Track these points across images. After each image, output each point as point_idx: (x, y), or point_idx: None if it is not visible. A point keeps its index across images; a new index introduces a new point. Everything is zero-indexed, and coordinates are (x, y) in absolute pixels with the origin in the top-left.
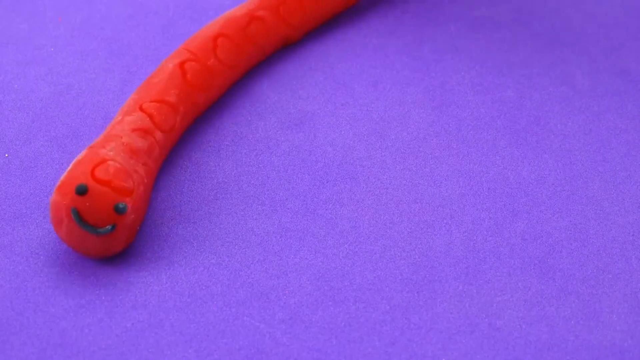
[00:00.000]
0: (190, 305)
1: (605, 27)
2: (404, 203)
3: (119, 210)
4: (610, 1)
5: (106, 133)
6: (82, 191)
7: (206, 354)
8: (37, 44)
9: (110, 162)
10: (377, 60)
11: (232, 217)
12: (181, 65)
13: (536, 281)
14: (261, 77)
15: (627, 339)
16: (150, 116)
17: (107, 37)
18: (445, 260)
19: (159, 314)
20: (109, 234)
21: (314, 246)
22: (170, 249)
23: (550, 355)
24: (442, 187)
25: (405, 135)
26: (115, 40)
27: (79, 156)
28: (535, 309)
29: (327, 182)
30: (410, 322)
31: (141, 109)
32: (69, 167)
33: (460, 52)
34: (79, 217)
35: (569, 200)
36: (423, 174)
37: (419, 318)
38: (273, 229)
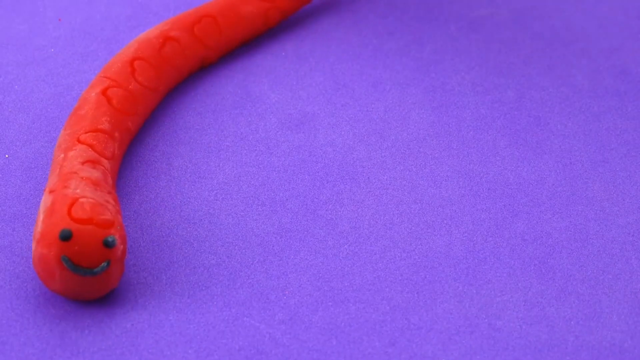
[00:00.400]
0: (190, 306)
1: (605, 27)
2: (404, 204)
3: (108, 245)
4: (610, 1)
5: (58, 173)
6: (66, 236)
7: (206, 354)
8: (37, 45)
9: (82, 200)
10: (377, 60)
11: (232, 217)
12: (104, 92)
13: (536, 281)
14: (261, 77)
15: (627, 339)
16: (91, 146)
17: (107, 38)
18: (445, 260)
19: (158, 315)
20: (106, 270)
21: (314, 246)
22: (170, 250)
23: (550, 355)
24: (442, 188)
25: (405, 135)
26: (115, 40)
27: (46, 203)
28: (535, 309)
29: (327, 183)
30: (410, 323)
31: (79, 141)
32: (41, 218)
33: (460, 52)
34: (72, 263)
35: (569, 201)
36: (423, 175)
37: (419, 318)
38: (273, 229)
